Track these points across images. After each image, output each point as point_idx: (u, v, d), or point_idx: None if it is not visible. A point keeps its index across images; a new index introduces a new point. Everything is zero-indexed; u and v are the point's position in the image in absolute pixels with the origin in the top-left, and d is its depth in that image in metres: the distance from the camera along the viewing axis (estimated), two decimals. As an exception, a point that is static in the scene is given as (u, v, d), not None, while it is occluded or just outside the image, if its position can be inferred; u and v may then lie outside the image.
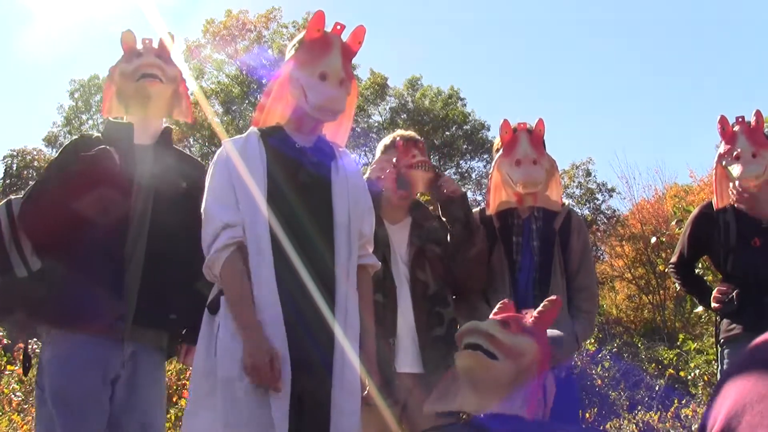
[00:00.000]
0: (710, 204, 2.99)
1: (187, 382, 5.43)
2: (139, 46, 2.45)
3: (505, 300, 1.88)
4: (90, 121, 22.24)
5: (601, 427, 5.65)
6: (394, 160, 2.62)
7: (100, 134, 2.41)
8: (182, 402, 5.29)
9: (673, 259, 3.17)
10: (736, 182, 2.82)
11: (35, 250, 2.25)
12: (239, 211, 1.91)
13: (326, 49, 2.02)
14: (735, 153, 2.83)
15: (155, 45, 2.46)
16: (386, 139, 2.76)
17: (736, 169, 2.81)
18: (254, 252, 1.88)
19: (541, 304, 1.77)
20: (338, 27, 2.06)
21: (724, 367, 2.88)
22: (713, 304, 2.87)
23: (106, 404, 2.17)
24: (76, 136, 2.40)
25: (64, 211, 2.19)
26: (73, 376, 2.14)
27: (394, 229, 2.63)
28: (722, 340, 2.88)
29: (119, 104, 2.43)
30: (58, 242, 2.22)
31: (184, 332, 2.37)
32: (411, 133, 2.77)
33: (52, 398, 2.13)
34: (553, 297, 1.80)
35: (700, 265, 4.79)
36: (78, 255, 2.18)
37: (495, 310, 1.83)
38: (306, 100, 2.00)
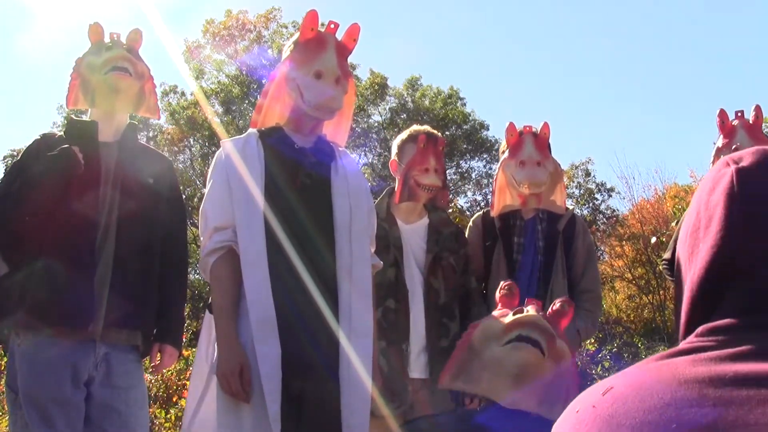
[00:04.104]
0: None
1: (187, 382, 5.43)
2: (107, 39, 2.42)
3: (510, 283, 1.80)
4: (90, 121, 22.16)
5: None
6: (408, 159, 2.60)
7: (63, 133, 2.38)
8: (182, 402, 5.28)
9: (666, 255, 3.14)
10: None
11: (2, 255, 2.23)
12: (232, 213, 1.91)
13: (321, 47, 2.02)
14: (734, 147, 2.82)
15: (123, 40, 2.43)
16: (404, 134, 2.73)
17: None
18: (247, 253, 1.87)
19: (558, 304, 1.71)
20: (332, 26, 2.07)
21: None
22: None
23: (78, 406, 2.14)
24: (38, 137, 2.36)
25: (29, 214, 2.18)
26: (41, 377, 2.11)
27: (408, 229, 2.61)
28: None
29: (84, 97, 2.39)
30: (25, 245, 2.19)
31: (155, 331, 2.34)
32: (430, 128, 2.73)
33: (24, 401, 2.11)
34: (564, 298, 1.74)
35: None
36: (46, 256, 2.16)
37: (500, 294, 1.76)
38: (303, 99, 2.01)
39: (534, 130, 2.80)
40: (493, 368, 1.59)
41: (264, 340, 1.82)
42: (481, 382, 1.60)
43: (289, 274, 1.89)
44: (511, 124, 2.81)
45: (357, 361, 1.89)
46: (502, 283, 1.79)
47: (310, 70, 2.01)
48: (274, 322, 1.83)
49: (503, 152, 2.85)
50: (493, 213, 2.82)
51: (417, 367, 2.47)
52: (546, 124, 2.80)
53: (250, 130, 2.10)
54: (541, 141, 2.76)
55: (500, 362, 1.59)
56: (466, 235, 2.81)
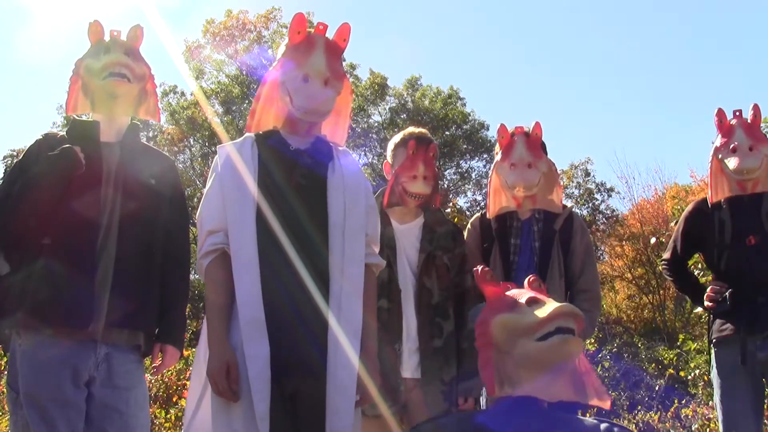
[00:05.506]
0: (705, 200, 2.96)
1: (187, 382, 5.43)
2: (107, 38, 2.39)
3: (533, 276, 1.77)
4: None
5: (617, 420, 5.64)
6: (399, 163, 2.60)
7: (65, 133, 2.37)
8: (182, 402, 5.28)
9: (666, 255, 3.13)
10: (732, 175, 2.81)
11: (3, 255, 2.23)
12: (225, 217, 1.93)
13: (309, 50, 2.03)
14: (732, 146, 2.82)
15: (123, 37, 2.41)
16: (397, 137, 2.73)
17: (732, 162, 2.80)
18: (238, 255, 1.90)
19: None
20: (321, 27, 2.07)
21: (715, 369, 2.87)
22: (706, 303, 2.85)
23: (79, 406, 2.14)
24: (40, 136, 2.34)
25: (30, 214, 2.18)
26: (42, 377, 2.11)
27: (402, 229, 2.61)
28: (714, 340, 2.86)
29: (85, 99, 2.39)
30: (26, 245, 2.19)
31: (157, 331, 2.34)
32: (423, 131, 2.72)
33: (24, 401, 2.11)
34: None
35: (699, 266, 4.78)
36: (46, 256, 2.16)
37: (528, 283, 1.73)
38: (292, 103, 2.02)
39: (526, 130, 2.78)
40: (531, 364, 1.57)
41: (253, 340, 1.83)
42: (521, 382, 1.58)
43: (288, 272, 1.90)
44: (502, 126, 2.80)
45: (345, 360, 1.89)
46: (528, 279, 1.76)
47: (298, 74, 2.01)
48: (263, 322, 1.85)
49: (497, 154, 2.84)
50: (489, 215, 2.81)
51: (409, 367, 2.48)
52: (538, 124, 2.78)
53: (247, 134, 2.12)
54: (533, 141, 2.75)
55: (540, 359, 1.56)
56: (465, 238, 2.80)
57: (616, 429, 1.55)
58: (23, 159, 2.31)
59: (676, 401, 6.32)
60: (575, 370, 1.61)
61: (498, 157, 2.80)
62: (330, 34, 2.09)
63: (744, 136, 2.81)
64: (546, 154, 2.79)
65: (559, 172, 2.89)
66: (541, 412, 1.61)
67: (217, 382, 1.82)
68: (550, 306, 1.60)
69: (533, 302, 1.63)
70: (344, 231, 1.98)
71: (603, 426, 1.57)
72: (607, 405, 1.63)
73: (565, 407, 1.64)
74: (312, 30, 2.07)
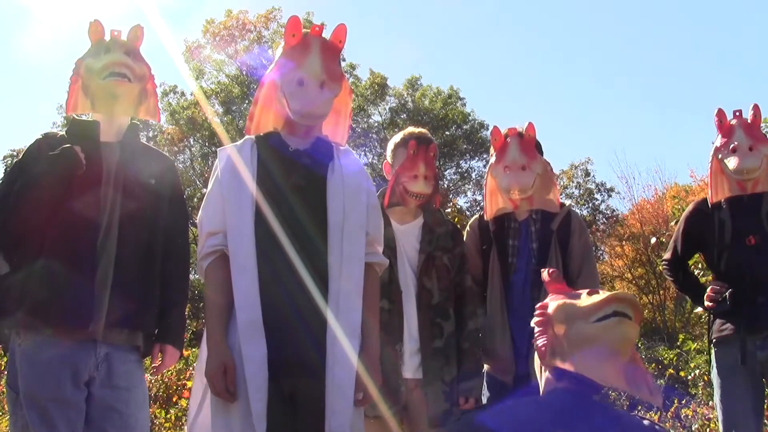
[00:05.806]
0: (705, 201, 2.96)
1: (188, 382, 5.43)
2: (107, 37, 2.39)
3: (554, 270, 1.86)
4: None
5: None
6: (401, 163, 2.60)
7: (64, 133, 2.37)
8: (182, 402, 5.29)
9: (667, 255, 3.13)
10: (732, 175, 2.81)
11: (3, 254, 2.23)
12: (224, 219, 1.94)
13: (305, 52, 2.02)
14: (732, 146, 2.82)
15: (124, 37, 2.40)
16: (397, 137, 2.72)
17: (732, 162, 2.80)
18: (236, 257, 1.90)
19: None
20: (316, 28, 2.06)
21: (715, 369, 2.86)
22: (706, 303, 2.85)
23: (79, 406, 2.14)
24: (40, 136, 2.35)
25: (30, 214, 2.18)
26: (42, 377, 2.11)
27: (402, 230, 2.61)
28: (714, 340, 2.86)
29: (85, 99, 2.38)
30: (26, 245, 2.19)
31: (157, 331, 2.34)
32: (423, 131, 2.72)
33: (24, 401, 2.11)
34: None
35: (699, 266, 4.78)
36: (46, 256, 2.15)
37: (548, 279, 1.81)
38: (289, 106, 2.02)
39: (519, 130, 2.76)
40: (586, 344, 1.61)
41: (250, 341, 1.84)
42: (573, 360, 1.62)
43: (287, 272, 1.90)
44: (495, 128, 2.79)
45: (343, 360, 1.89)
46: (547, 270, 1.84)
47: (294, 77, 2.01)
48: (260, 323, 1.85)
49: (492, 156, 2.83)
50: (487, 217, 2.80)
51: (410, 368, 2.48)
52: (531, 125, 2.76)
53: (246, 136, 2.12)
54: (526, 142, 2.73)
55: (595, 338, 1.60)
56: (464, 240, 2.79)
57: (657, 427, 1.58)
58: (23, 159, 2.31)
59: (676, 401, 6.31)
60: (633, 363, 1.64)
61: (492, 160, 2.79)
62: (327, 35, 2.07)
63: (744, 136, 2.81)
64: (541, 153, 2.77)
65: (559, 172, 2.89)
66: (584, 401, 1.62)
67: (214, 383, 1.83)
68: (608, 293, 1.67)
69: (593, 293, 1.70)
70: (343, 230, 1.98)
71: (645, 423, 1.59)
72: (659, 402, 1.67)
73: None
74: (308, 31, 2.06)
